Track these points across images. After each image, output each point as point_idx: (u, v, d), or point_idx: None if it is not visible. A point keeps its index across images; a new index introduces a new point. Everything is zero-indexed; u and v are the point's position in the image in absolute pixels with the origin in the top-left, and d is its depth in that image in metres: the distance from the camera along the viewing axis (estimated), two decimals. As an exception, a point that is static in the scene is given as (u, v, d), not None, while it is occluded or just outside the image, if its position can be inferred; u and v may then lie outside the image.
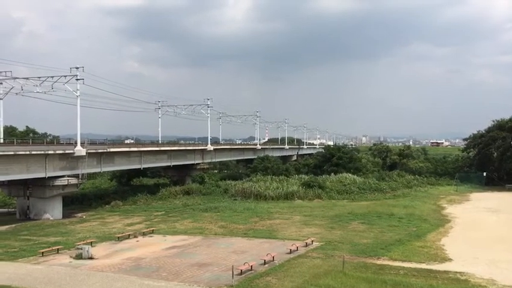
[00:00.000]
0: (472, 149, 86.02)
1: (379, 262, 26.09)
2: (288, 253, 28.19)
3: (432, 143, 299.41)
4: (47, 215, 46.63)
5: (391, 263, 25.88)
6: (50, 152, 45.47)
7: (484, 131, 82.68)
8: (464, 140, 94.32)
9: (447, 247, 30.05)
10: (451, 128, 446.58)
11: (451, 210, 48.39)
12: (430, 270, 24.18)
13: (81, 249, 28.36)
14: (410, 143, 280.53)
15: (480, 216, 44.65)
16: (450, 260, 26.74)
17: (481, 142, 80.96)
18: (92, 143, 53.00)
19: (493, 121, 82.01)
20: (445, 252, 28.50)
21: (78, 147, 48.17)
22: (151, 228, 37.67)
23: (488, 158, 79.64)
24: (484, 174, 75.37)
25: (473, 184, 74.02)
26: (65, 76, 48.85)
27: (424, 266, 25.23)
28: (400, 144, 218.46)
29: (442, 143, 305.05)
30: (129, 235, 35.10)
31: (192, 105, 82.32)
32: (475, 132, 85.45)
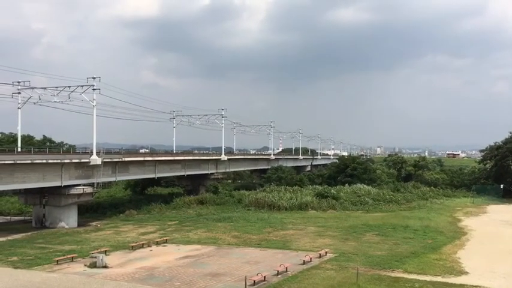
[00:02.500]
0: (488, 161, 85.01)
1: (393, 274, 25.80)
2: (301, 264, 28.03)
3: (448, 154, 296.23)
4: (62, 224, 47.06)
5: (406, 275, 25.57)
6: (66, 161, 46.00)
7: (501, 143, 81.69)
8: (481, 151, 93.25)
9: (463, 260, 29.63)
10: (468, 139, 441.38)
11: (467, 222, 47.75)
12: (446, 284, 23.83)
13: (96, 257, 28.57)
14: (426, 154, 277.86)
15: (497, 229, 43.98)
16: (466, 273, 26.34)
17: (498, 154, 79.98)
18: (107, 152, 53.47)
19: (511, 133, 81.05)
20: (461, 265, 28.09)
21: (94, 156, 48.64)
22: (165, 238, 37.80)
23: (505, 170, 78.58)
24: (501, 186, 74.39)
25: (490, 196, 73.02)
26: (82, 86, 49.51)
27: (439, 279, 24.88)
28: (416, 155, 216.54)
29: (459, 154, 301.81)
30: (142, 244, 35.24)
31: (206, 115, 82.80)
32: (492, 143, 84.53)
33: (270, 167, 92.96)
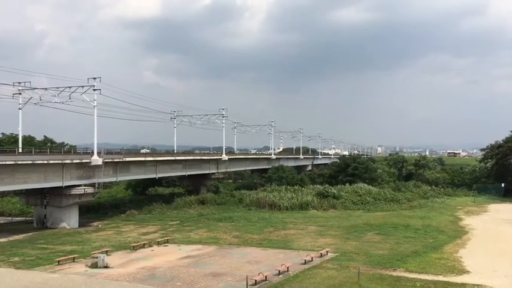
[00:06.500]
0: (489, 160, 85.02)
1: (395, 274, 25.80)
2: (302, 264, 28.04)
3: (449, 153, 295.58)
4: (64, 224, 47.06)
5: (407, 274, 25.58)
6: (67, 162, 46.01)
7: (502, 142, 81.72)
8: (482, 150, 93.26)
9: (465, 259, 29.62)
10: (469, 138, 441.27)
11: (468, 221, 47.74)
12: (448, 283, 23.82)
13: (97, 258, 28.62)
14: (427, 153, 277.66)
15: (498, 228, 43.94)
16: (468, 272, 26.34)
17: (498, 153, 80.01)
18: (108, 152, 53.42)
19: (511, 131, 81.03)
20: (463, 264, 28.09)
21: (95, 156, 48.65)
22: (166, 238, 37.83)
23: (506, 168, 78.52)
24: (502, 185, 74.36)
25: (491, 195, 73.02)
26: (83, 86, 49.48)
27: (441, 278, 24.87)
28: (416, 154, 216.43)
29: (459, 153, 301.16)
30: (144, 244, 35.27)
31: (207, 115, 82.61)
32: (493, 142, 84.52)
33: (270, 166, 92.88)
